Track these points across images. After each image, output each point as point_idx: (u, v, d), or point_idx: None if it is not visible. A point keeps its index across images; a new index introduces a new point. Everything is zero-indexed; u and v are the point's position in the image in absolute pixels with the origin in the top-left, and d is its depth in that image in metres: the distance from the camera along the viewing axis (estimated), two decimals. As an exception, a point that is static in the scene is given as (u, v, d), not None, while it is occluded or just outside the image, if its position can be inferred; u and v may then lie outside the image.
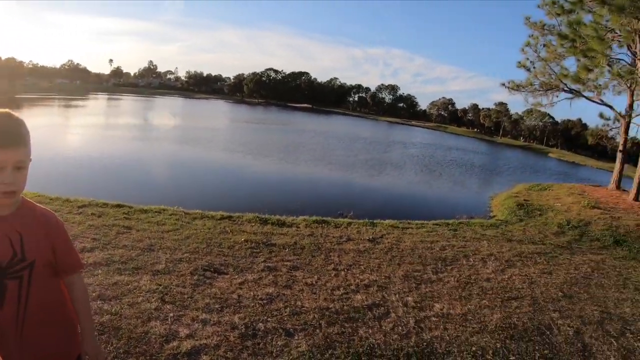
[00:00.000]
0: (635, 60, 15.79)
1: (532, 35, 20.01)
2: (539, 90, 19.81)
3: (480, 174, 29.74)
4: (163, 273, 5.18)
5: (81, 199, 8.43)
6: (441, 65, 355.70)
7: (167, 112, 60.31)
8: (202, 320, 4.13)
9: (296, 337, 3.97)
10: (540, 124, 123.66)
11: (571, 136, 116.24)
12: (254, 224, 7.84)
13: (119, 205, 8.14)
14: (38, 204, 1.77)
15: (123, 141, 25.85)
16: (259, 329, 4.07)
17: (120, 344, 3.60)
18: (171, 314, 4.19)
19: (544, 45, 19.45)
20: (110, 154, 20.00)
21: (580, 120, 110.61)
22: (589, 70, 16.87)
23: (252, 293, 4.83)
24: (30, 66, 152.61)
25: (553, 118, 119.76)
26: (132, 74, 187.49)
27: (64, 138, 25.91)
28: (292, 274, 5.56)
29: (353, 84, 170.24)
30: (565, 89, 18.88)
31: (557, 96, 19.65)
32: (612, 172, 19.01)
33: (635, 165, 16.22)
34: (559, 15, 18.03)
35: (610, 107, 18.53)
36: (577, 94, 18.78)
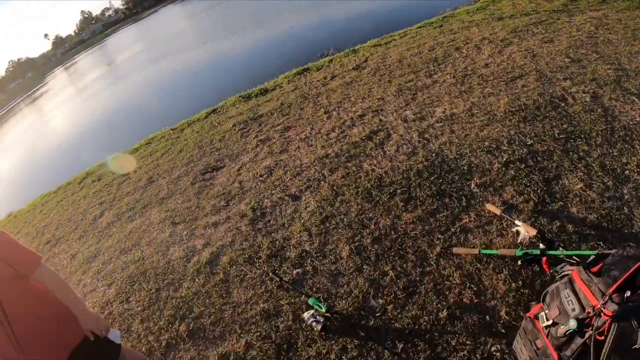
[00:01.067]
0: None
1: None
2: None
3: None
4: (167, 198, 5.16)
5: (78, 175, 8.40)
6: None
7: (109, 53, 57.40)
8: (213, 224, 4.11)
9: (303, 198, 3.87)
10: None
11: None
12: (238, 105, 7.53)
13: (112, 159, 8.03)
14: None
15: (96, 98, 25.35)
16: (266, 206, 3.99)
17: (151, 285, 3.67)
18: (184, 233, 4.19)
19: None
20: (88, 118, 19.73)
21: None
22: None
23: (251, 174, 4.72)
24: None
25: None
26: (73, 34, 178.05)
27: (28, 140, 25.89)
28: (285, 135, 5.35)
29: None
30: None
31: None
32: None
33: None
34: None
35: None
36: None
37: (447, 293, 2.49)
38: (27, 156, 23.68)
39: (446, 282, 2.55)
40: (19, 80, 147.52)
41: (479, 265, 2.56)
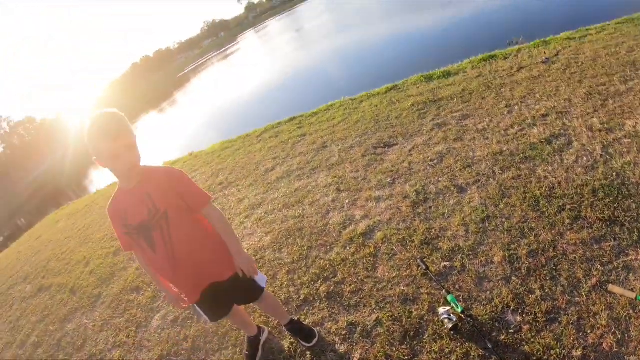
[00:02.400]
0: None
1: None
2: None
3: None
4: (337, 164, 5.40)
5: (258, 128, 9.18)
6: None
7: (304, 21, 60.01)
8: (375, 198, 4.20)
9: (468, 192, 3.73)
10: None
11: None
12: (419, 85, 7.38)
13: (291, 119, 8.67)
14: (160, 166, 2.30)
15: (282, 60, 26.87)
16: (430, 192, 3.95)
17: (304, 242, 3.96)
18: (347, 201, 4.36)
19: None
20: (275, 78, 21.00)
21: None
22: None
23: (422, 156, 4.67)
24: (177, 46, 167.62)
25: None
26: (264, 1, 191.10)
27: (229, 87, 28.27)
28: (462, 123, 5.15)
29: None
30: None
31: None
32: None
33: None
34: None
35: None
36: None
37: (588, 332, 2.22)
38: (214, 105, 26.36)
39: (591, 320, 2.26)
40: (212, 39, 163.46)
41: (631, 311, 2.22)
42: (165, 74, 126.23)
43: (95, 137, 1.91)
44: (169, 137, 25.00)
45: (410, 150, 4.95)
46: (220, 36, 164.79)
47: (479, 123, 5.00)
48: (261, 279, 2.49)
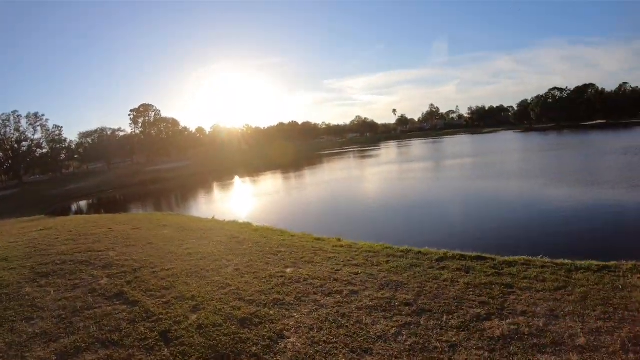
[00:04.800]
0: None
1: None
2: None
3: None
4: (588, 350, 4.53)
5: (441, 251, 8.54)
6: None
7: (454, 149, 60.70)
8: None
9: None
10: None
11: None
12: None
13: (479, 257, 7.99)
14: None
15: (403, 184, 27.05)
16: None
17: None
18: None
19: None
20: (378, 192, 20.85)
21: None
22: None
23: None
24: (324, 127, 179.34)
25: None
26: (416, 120, 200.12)
27: (364, 187, 28.85)
28: None
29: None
30: None
31: None
32: None
33: None
34: None
35: None
36: None
37: None
38: (318, 197, 26.87)
39: None
40: (356, 135, 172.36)
41: None
42: (308, 145, 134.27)
43: None
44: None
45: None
46: (366, 136, 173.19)
47: None
48: None
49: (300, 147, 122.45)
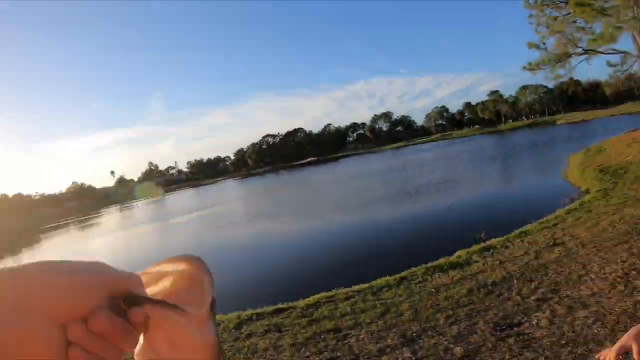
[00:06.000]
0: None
1: (532, 15, 21.48)
2: (558, 62, 21.24)
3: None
4: None
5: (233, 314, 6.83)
6: (420, 77, 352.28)
7: (175, 207, 59.01)
8: None
9: None
10: (536, 96, 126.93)
11: (568, 97, 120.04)
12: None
13: (279, 310, 6.61)
14: None
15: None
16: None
17: None
18: None
19: (554, 19, 20.80)
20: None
21: (571, 79, 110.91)
22: (618, 29, 18.04)
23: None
24: (37, 197, 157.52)
25: (547, 87, 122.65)
26: (135, 179, 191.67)
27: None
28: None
29: (347, 124, 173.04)
30: (580, 51, 20.50)
31: (570, 63, 21.32)
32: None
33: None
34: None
35: (625, 52, 20.04)
36: (592, 52, 20.42)
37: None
38: None
39: None
40: (74, 202, 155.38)
41: None
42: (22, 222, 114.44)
43: None
44: None
45: None
46: (84, 203, 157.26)
47: None
48: None
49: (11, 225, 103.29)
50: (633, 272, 5.20)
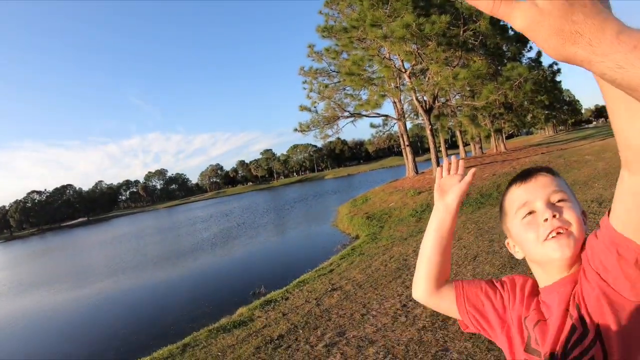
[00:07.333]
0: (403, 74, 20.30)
1: (306, 81, 25.08)
2: (327, 124, 24.46)
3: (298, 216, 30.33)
4: None
5: None
6: (197, 135, 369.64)
7: None
8: None
9: None
10: (307, 154, 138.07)
11: (336, 155, 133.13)
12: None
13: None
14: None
15: None
16: None
17: None
18: None
19: (326, 87, 24.46)
20: None
21: (338, 139, 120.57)
22: (382, 96, 21.53)
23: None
24: None
25: (316, 146, 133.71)
26: None
27: None
28: None
29: (120, 181, 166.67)
30: (347, 115, 24.02)
31: (338, 124, 24.85)
32: (398, 166, 26.43)
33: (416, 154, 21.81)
34: (334, 58, 23.30)
35: (387, 116, 24.77)
36: (358, 116, 24.08)
37: None
38: None
39: None
40: None
41: None
42: None
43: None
44: None
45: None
46: None
47: None
48: None
49: None
50: (410, 302, 5.67)
